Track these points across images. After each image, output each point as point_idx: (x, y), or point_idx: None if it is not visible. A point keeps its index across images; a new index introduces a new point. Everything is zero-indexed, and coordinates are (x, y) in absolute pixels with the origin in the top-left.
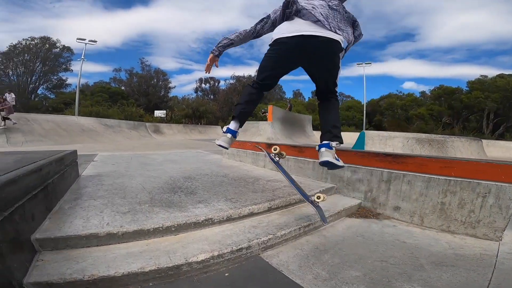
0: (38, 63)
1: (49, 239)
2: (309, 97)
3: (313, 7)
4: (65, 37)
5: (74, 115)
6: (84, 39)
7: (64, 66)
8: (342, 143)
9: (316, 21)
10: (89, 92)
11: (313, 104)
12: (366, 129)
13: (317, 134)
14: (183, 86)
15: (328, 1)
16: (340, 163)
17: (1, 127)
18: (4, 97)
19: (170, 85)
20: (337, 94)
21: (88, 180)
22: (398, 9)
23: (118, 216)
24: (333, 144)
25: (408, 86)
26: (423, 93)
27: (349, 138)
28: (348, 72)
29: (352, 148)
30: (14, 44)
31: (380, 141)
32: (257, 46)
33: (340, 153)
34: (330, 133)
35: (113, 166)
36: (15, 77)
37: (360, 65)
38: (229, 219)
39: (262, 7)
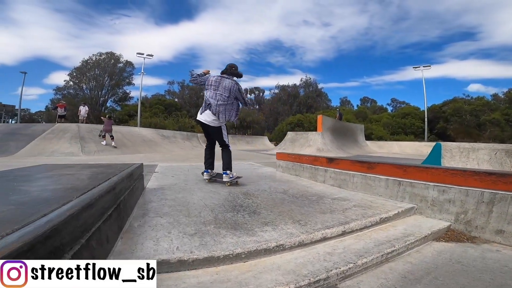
0: (106, 77)
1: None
2: (357, 105)
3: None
4: (126, 52)
5: (136, 126)
6: (143, 54)
7: (127, 80)
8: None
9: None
10: (148, 104)
11: (363, 112)
12: (428, 138)
13: (371, 145)
14: None
15: (217, 100)
16: (233, 177)
17: (103, 144)
18: (82, 110)
19: None
20: (228, 146)
21: (153, 194)
22: (450, 8)
23: (186, 239)
24: (228, 172)
25: (475, 88)
26: (495, 95)
27: (407, 148)
28: (400, 76)
29: (423, 163)
30: (86, 59)
31: (461, 154)
32: (299, 54)
33: (425, 170)
34: (225, 167)
35: (173, 179)
36: (88, 91)
37: (417, 68)
38: (301, 245)
39: (300, 14)
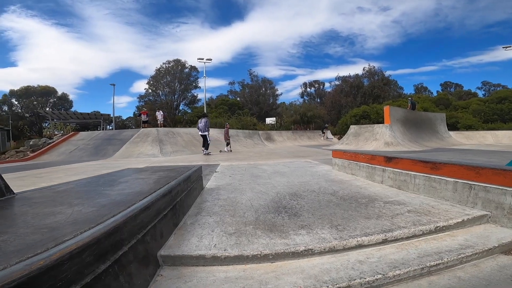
0: (177, 83)
1: (170, 257)
2: (437, 91)
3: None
4: (190, 57)
5: None
6: (202, 58)
7: (194, 84)
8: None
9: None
10: (214, 105)
11: (444, 99)
12: None
13: (456, 135)
14: (289, 92)
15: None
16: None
17: (226, 151)
18: (159, 115)
19: (277, 92)
20: (207, 141)
21: (209, 194)
22: None
23: (224, 238)
24: (205, 150)
25: None
26: None
27: (505, 138)
28: (490, 57)
29: (507, 165)
30: (158, 68)
31: None
32: (359, 42)
33: (503, 173)
34: (205, 148)
35: (230, 178)
36: (164, 96)
37: (508, 48)
38: (332, 251)
39: (352, 1)
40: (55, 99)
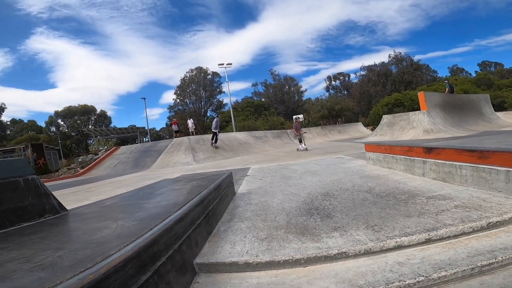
0: (202, 90)
1: (205, 264)
2: (476, 71)
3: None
4: (211, 64)
5: (232, 131)
6: (223, 64)
7: (218, 89)
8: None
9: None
10: (240, 108)
11: (485, 79)
12: None
13: (505, 116)
14: (314, 87)
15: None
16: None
17: (301, 149)
18: (189, 123)
19: (301, 89)
20: (216, 134)
21: (241, 199)
22: None
23: (256, 243)
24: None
25: None
26: None
27: None
28: None
29: None
30: (182, 77)
31: None
32: (380, 30)
33: None
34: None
35: (260, 182)
36: (192, 105)
37: None
38: (368, 253)
39: None
40: (95, 117)
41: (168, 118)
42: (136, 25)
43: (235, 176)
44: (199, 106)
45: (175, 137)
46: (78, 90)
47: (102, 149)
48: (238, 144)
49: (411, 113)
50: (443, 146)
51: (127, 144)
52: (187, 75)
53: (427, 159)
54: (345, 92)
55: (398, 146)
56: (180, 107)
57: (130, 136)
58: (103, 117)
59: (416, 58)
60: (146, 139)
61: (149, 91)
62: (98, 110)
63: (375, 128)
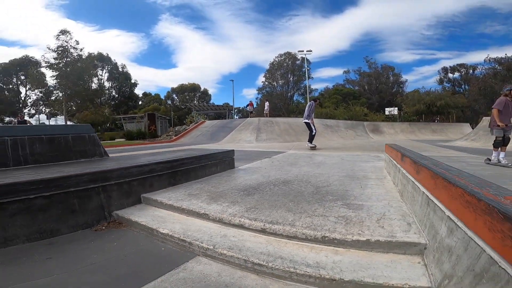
0: (290, 75)
1: (145, 197)
2: None
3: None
4: (304, 48)
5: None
6: (302, 51)
7: (308, 75)
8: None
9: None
10: (327, 95)
11: None
12: None
13: None
14: (429, 78)
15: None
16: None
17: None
18: (266, 105)
19: (401, 79)
20: (312, 131)
21: (231, 172)
22: None
23: (186, 197)
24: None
25: None
26: None
27: None
28: None
29: None
30: (271, 61)
31: None
32: None
33: None
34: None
35: (268, 164)
36: (279, 88)
37: None
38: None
39: None
40: (199, 93)
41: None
42: (237, 11)
43: (261, 156)
44: (286, 90)
45: (250, 117)
46: (191, 70)
47: (195, 122)
48: (304, 131)
49: None
50: (409, 155)
51: (221, 119)
52: (276, 59)
53: (400, 168)
54: (467, 87)
55: (395, 151)
56: (268, 89)
57: (223, 112)
58: (205, 94)
59: None
60: (236, 116)
61: (248, 72)
62: (202, 88)
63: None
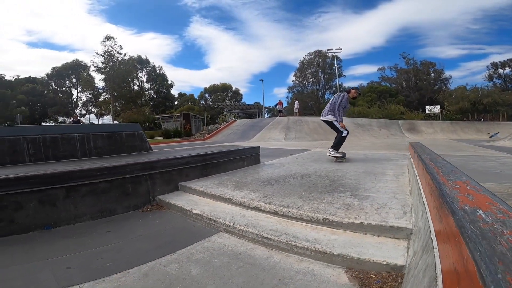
0: (320, 73)
1: (182, 186)
2: None
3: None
4: (335, 46)
5: None
6: (332, 49)
7: (338, 73)
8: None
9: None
10: (362, 92)
11: None
12: None
13: None
14: (477, 75)
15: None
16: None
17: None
18: (295, 104)
19: (444, 75)
20: (341, 133)
21: (257, 166)
22: None
23: (221, 187)
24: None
25: None
26: None
27: None
28: None
29: None
30: (301, 60)
31: None
32: None
33: None
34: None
35: (294, 161)
36: (310, 86)
37: None
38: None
39: None
40: (231, 93)
41: (289, 98)
42: (264, 10)
43: (287, 153)
44: (317, 88)
45: (279, 116)
46: (223, 70)
47: (226, 121)
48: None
49: None
50: (419, 151)
51: (252, 118)
52: (306, 58)
53: (412, 163)
54: None
55: (412, 148)
56: (298, 88)
57: (254, 111)
58: (236, 94)
59: None
60: (267, 115)
61: (278, 71)
62: (233, 88)
63: None
